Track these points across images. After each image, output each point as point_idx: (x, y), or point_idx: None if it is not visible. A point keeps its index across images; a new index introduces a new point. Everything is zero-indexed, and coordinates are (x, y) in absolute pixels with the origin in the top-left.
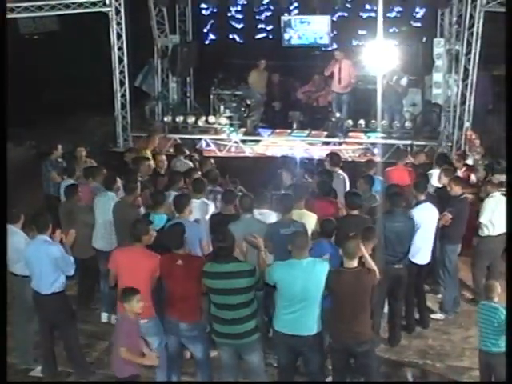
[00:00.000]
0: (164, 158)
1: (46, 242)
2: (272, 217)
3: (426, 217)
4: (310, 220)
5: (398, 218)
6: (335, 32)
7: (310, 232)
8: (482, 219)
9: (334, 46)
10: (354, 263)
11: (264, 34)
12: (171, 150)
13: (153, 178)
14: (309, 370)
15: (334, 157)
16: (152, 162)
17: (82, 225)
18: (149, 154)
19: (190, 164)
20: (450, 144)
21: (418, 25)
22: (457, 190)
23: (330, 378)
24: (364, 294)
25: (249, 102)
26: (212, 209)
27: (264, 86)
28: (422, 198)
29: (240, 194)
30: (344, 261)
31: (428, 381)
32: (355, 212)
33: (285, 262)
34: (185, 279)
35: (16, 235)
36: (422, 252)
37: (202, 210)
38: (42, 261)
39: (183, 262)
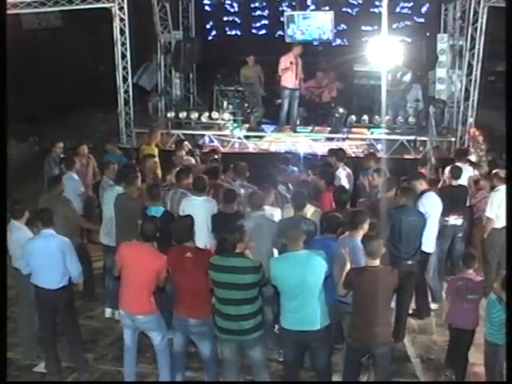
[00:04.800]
0: (183, 153)
1: (52, 236)
2: (276, 213)
3: (433, 205)
4: (317, 215)
5: (412, 213)
6: (339, 28)
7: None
8: (490, 213)
9: (338, 41)
10: (376, 262)
11: (266, 30)
12: (173, 146)
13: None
14: (316, 365)
15: (338, 152)
16: (157, 159)
17: (62, 217)
18: (155, 149)
19: (192, 160)
20: (453, 139)
21: (422, 20)
22: (454, 183)
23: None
24: (385, 293)
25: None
26: (215, 206)
27: (258, 80)
28: (426, 187)
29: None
30: (366, 260)
31: (429, 381)
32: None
33: (280, 256)
34: (194, 272)
35: (20, 231)
36: (429, 240)
37: (205, 208)
38: (49, 254)
39: (192, 254)
